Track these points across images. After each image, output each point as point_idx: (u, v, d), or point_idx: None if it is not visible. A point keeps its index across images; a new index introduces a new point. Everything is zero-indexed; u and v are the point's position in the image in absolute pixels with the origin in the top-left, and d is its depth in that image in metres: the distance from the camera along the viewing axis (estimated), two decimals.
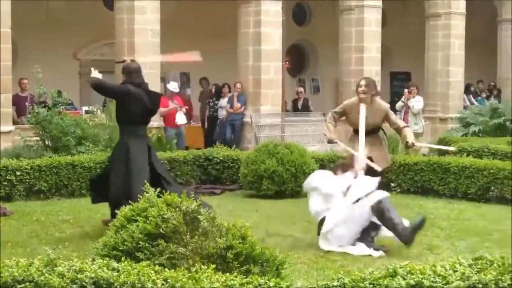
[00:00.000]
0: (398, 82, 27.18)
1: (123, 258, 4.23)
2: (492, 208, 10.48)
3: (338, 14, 21.24)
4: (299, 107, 21.00)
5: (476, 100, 23.99)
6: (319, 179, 8.07)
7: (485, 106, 21.55)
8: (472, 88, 24.66)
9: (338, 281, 3.77)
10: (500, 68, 25.29)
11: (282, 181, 11.40)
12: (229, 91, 18.87)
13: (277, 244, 7.48)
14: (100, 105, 15.71)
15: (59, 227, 8.86)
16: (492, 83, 25.67)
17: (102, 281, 3.78)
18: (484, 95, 24.63)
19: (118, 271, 3.90)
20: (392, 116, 9.52)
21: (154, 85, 16.79)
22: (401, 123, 9.66)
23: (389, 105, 9.82)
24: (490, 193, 11.04)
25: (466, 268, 3.95)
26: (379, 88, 21.14)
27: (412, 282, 3.73)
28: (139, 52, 16.51)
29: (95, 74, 8.76)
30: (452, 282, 3.76)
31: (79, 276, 3.80)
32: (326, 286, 3.78)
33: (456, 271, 3.89)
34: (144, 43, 16.73)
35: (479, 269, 3.95)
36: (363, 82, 9.25)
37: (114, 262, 4.04)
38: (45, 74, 13.31)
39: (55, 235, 8.34)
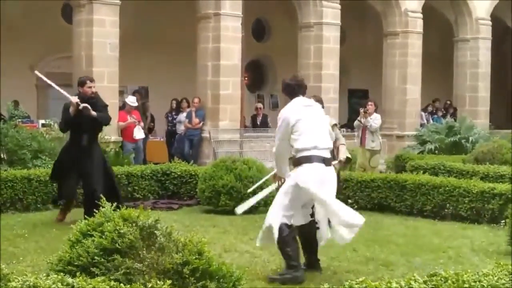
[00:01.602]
0: (356, 99, 27.40)
1: (78, 274, 4.19)
2: (447, 225, 10.59)
3: (297, 31, 21.38)
4: (258, 123, 21.04)
5: (432, 118, 24.29)
6: None
7: (441, 124, 21.86)
8: (429, 107, 24.98)
9: None
10: (456, 87, 25.65)
11: (240, 196, 11.37)
12: (188, 106, 18.84)
13: (234, 260, 7.47)
14: (57, 118, 15.54)
15: (13, 241, 8.73)
16: (448, 102, 26.02)
17: None
18: (440, 113, 24.97)
19: (72, 286, 3.86)
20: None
21: (113, 99, 16.77)
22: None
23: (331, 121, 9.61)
24: (446, 210, 11.16)
25: (421, 284, 3.99)
26: (336, 105, 21.39)
27: None
28: (97, 65, 16.45)
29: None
30: None
31: None
32: None
33: (411, 287, 3.92)
34: (103, 56, 16.64)
35: (433, 286, 3.99)
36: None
37: (68, 278, 3.99)
38: (1, 86, 13.16)
39: (9, 250, 8.21)
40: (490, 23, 25.26)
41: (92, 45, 16.56)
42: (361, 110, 15.67)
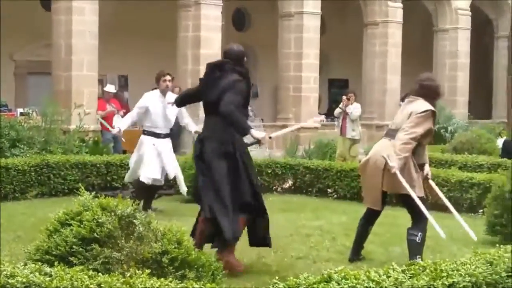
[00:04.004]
0: (336, 89, 27.47)
1: (56, 263, 4.16)
2: None
3: (278, 20, 21.35)
4: None
5: None
6: None
7: None
8: (407, 97, 25.05)
9: (273, 286, 3.77)
10: (436, 77, 25.70)
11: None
12: None
13: (213, 249, 7.46)
14: (36, 107, 15.44)
15: None
16: None
17: (34, 286, 3.72)
18: None
19: (50, 276, 3.84)
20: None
21: (92, 87, 16.70)
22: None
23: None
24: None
25: (399, 273, 4.00)
26: (316, 95, 21.42)
27: (346, 287, 3.76)
28: (76, 54, 16.35)
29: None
30: (386, 287, 3.80)
31: (10, 281, 3.72)
32: None
33: (390, 276, 3.94)
34: (82, 44, 16.53)
35: (412, 275, 4.01)
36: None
37: (46, 267, 3.97)
38: None
39: None
40: (469, 13, 25.37)
41: (72, 33, 16.44)
42: (344, 97, 15.82)
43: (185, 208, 10.99)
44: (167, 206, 11.14)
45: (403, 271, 4.06)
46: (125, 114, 17.57)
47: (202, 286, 3.80)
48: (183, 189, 10.68)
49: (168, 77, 10.51)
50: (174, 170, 10.60)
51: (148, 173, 10.27)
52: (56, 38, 16.78)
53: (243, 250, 7.79)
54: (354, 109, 15.66)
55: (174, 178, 10.77)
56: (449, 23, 25.25)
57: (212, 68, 7.05)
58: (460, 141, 15.78)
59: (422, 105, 7.21)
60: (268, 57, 23.46)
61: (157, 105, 10.41)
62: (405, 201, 7.25)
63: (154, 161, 10.33)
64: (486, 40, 29.49)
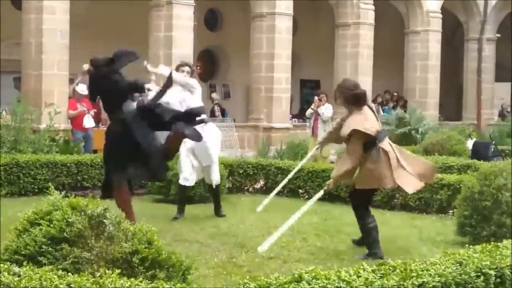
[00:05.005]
0: (308, 90, 27.55)
1: (25, 263, 4.13)
2: (396, 215, 10.69)
3: (250, 21, 21.36)
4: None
5: (383, 110, 24.52)
6: None
7: (391, 115, 22.07)
8: (379, 98, 25.22)
9: (244, 287, 3.77)
10: (407, 78, 25.93)
11: (191, 186, 11.32)
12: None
13: (184, 249, 7.45)
14: (6, 106, 15.29)
15: None
16: (396, 93, 26.28)
17: (2, 286, 3.68)
18: (391, 104, 25.20)
19: (19, 276, 3.80)
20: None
21: (62, 87, 16.58)
22: None
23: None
24: (395, 200, 11.27)
25: (369, 273, 4.02)
26: (288, 95, 21.43)
27: (317, 287, 3.77)
28: (47, 53, 16.23)
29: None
30: (356, 287, 3.82)
31: None
32: None
33: (360, 276, 3.96)
34: (53, 44, 16.41)
35: (382, 275, 4.03)
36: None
37: (15, 267, 3.93)
38: None
39: None
40: (440, 15, 25.57)
41: (42, 32, 16.33)
42: (316, 98, 15.87)
43: (155, 208, 10.97)
44: (137, 206, 11.08)
45: (373, 271, 4.08)
46: (95, 113, 17.58)
47: (172, 286, 3.78)
48: (214, 178, 10.27)
49: (186, 68, 10.07)
50: (208, 161, 10.15)
51: (183, 175, 10.21)
52: (26, 37, 16.64)
53: (216, 250, 7.80)
54: (326, 109, 15.70)
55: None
56: (420, 25, 25.44)
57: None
58: (430, 143, 15.91)
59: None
60: (240, 57, 23.46)
61: (175, 97, 9.73)
62: None
63: (186, 161, 10.11)
64: (457, 43, 29.76)
